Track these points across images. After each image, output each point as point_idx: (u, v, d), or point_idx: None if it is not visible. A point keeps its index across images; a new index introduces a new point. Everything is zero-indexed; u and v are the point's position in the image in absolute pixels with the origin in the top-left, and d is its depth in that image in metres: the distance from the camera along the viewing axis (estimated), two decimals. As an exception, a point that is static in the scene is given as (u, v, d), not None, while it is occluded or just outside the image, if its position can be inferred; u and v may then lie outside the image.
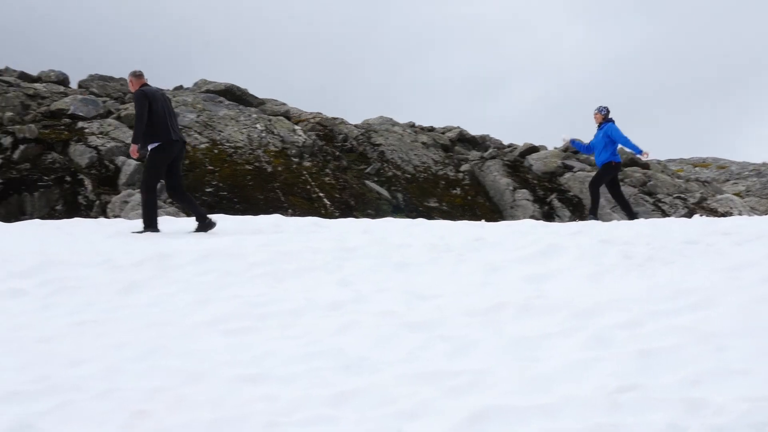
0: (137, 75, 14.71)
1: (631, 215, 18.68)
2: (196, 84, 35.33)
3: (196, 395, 6.00)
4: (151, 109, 14.15)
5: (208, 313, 8.19)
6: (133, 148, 14.25)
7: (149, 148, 14.32)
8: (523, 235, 12.19)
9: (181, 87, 35.46)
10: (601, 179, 18.94)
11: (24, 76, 33.70)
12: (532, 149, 34.74)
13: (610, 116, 18.55)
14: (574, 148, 19.95)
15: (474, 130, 37.81)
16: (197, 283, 9.59)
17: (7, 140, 26.75)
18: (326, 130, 33.79)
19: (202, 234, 13.65)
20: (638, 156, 18.79)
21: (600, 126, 18.58)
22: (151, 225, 14.18)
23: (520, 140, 33.45)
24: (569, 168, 32.66)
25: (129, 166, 25.68)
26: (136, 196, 23.70)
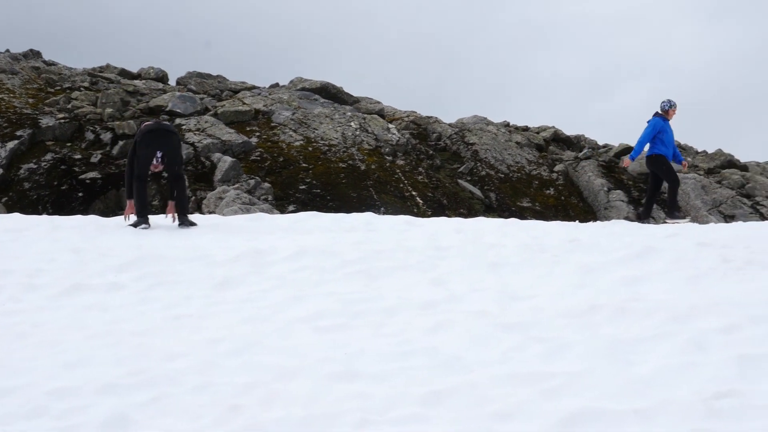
0: None
1: (646, 216, 17.98)
2: (291, 82, 35.66)
3: (289, 391, 6.04)
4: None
5: (303, 310, 8.24)
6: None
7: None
8: (618, 237, 12.04)
9: (276, 85, 35.81)
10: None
11: (124, 73, 34.36)
12: (628, 149, 34.33)
13: (659, 111, 17.82)
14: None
15: (578, 131, 37.56)
16: (292, 279, 9.65)
17: (107, 136, 27.29)
18: (420, 128, 33.83)
19: (296, 231, 13.67)
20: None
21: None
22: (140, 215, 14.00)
23: (628, 141, 33.03)
24: (665, 169, 32.17)
25: (225, 162, 25.98)
26: (231, 192, 23.95)
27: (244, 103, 31.35)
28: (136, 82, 32.86)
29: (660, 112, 17.63)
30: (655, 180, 17.79)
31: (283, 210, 24.27)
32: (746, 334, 6.77)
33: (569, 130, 38.00)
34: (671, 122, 17.78)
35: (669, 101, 17.67)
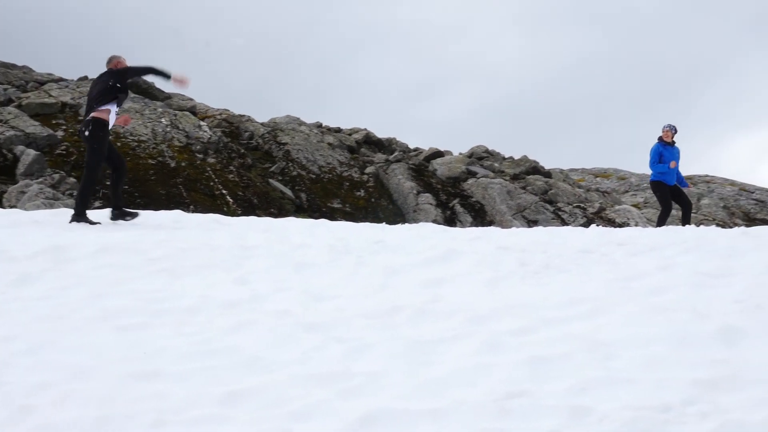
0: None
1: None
2: (100, 75, 34.86)
3: (83, 391, 5.92)
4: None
5: (102, 308, 8.07)
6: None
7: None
8: (423, 240, 12.24)
9: (85, 78, 34.97)
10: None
11: None
12: (437, 154, 34.99)
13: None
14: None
15: (394, 134, 38.13)
16: (93, 277, 9.44)
17: None
18: (232, 127, 33.62)
19: (100, 227, 13.40)
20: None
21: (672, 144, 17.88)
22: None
23: (441, 146, 33.70)
24: (473, 174, 32.94)
25: (28, 156, 25.23)
26: (34, 187, 23.28)
27: (51, 96, 30.51)
28: (-65, 69, 31.60)
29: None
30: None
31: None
32: (539, 336, 7.00)
33: (386, 133, 38.47)
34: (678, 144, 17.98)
35: (667, 124, 17.93)
